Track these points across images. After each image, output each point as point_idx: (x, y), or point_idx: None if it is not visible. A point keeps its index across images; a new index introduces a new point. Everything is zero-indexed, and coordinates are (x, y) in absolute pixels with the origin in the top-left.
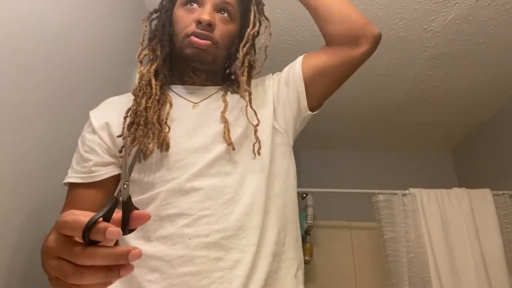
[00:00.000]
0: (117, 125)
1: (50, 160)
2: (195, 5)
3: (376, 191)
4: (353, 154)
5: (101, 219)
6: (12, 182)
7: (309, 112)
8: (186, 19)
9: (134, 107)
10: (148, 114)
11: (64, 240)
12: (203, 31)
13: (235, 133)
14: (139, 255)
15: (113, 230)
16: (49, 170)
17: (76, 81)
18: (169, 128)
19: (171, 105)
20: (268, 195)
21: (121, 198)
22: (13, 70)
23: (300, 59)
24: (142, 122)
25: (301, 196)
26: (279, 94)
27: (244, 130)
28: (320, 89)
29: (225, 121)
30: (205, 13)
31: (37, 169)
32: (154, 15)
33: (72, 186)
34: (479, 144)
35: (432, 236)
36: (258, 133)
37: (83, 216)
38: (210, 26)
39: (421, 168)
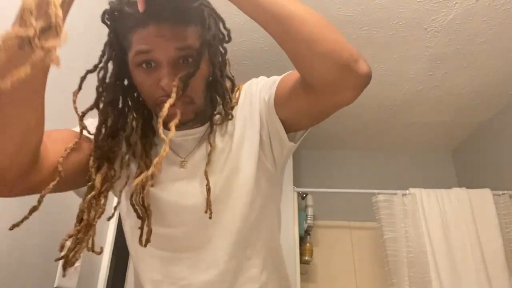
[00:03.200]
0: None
1: None
2: (151, 64)
3: (376, 191)
4: (353, 154)
5: None
6: None
7: (291, 143)
8: (148, 84)
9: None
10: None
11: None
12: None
13: (216, 187)
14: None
15: None
16: None
17: (77, 81)
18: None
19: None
20: (248, 251)
21: None
22: None
23: (273, 92)
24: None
25: (301, 196)
26: (264, 125)
27: (225, 183)
28: (295, 127)
29: (207, 182)
30: (165, 78)
31: None
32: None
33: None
34: (479, 144)
35: (432, 236)
36: (240, 182)
37: None
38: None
39: (421, 168)
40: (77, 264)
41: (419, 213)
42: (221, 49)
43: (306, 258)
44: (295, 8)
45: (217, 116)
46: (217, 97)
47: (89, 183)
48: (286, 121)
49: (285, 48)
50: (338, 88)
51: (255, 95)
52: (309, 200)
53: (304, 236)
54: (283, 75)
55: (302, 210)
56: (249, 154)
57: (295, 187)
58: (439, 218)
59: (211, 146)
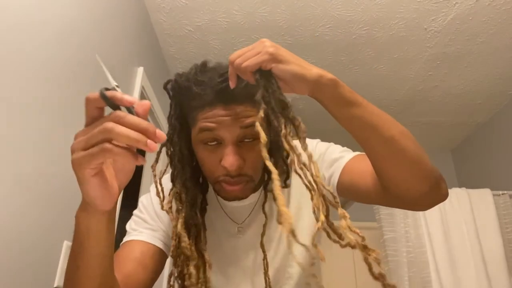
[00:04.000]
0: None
1: (51, 159)
2: (215, 142)
3: None
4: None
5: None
6: (13, 182)
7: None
8: (210, 161)
9: (177, 274)
10: (188, 284)
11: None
12: (233, 178)
13: (276, 259)
14: (164, 137)
15: (131, 98)
16: (49, 171)
17: (78, 81)
18: None
19: (210, 265)
20: None
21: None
22: (13, 70)
23: (341, 167)
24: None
25: None
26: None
27: (284, 255)
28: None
29: (265, 254)
30: (229, 157)
31: (39, 165)
32: (168, 144)
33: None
34: (479, 144)
35: (432, 236)
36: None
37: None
38: (240, 168)
39: None
40: None
41: (419, 213)
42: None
43: None
44: (396, 131)
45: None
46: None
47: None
48: (340, 194)
49: (380, 164)
50: (417, 202)
51: (319, 158)
52: None
53: None
54: (348, 157)
55: None
56: (308, 224)
57: None
58: (439, 218)
59: (266, 217)
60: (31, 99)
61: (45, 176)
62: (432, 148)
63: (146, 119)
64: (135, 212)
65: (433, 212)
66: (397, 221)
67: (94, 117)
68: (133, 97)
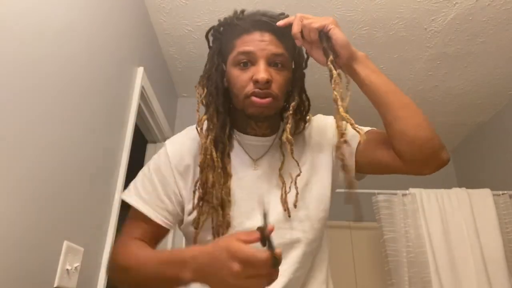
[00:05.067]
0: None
1: (51, 159)
2: (248, 64)
3: (376, 191)
4: None
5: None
6: (13, 182)
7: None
8: (242, 79)
9: (202, 181)
10: (214, 191)
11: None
12: (262, 90)
13: (304, 195)
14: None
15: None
16: (49, 171)
17: (77, 81)
18: (229, 206)
19: (230, 176)
20: (313, 265)
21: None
22: (13, 71)
23: (356, 141)
24: (210, 200)
25: None
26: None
27: (312, 191)
28: (363, 171)
29: (282, 182)
30: (261, 72)
31: (39, 164)
32: (206, 76)
33: (135, 209)
34: (479, 144)
35: (432, 236)
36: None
37: (259, 252)
38: (267, 83)
39: None
40: (77, 264)
41: (419, 213)
42: (301, 72)
43: None
44: (409, 99)
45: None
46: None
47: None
48: (356, 166)
49: (392, 124)
50: (423, 164)
51: (331, 130)
52: None
53: None
54: (364, 130)
55: None
56: (324, 175)
57: None
58: (439, 218)
59: (283, 155)
60: (31, 99)
61: (45, 176)
62: None
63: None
64: (146, 170)
65: (433, 212)
66: (397, 221)
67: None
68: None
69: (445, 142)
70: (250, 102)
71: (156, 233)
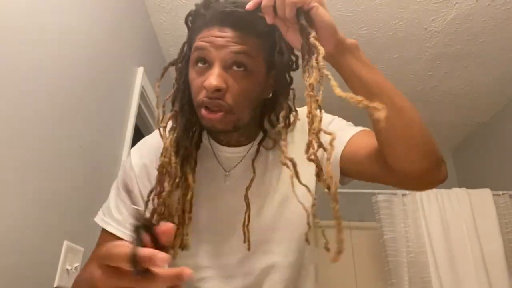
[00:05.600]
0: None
1: (51, 159)
2: (205, 65)
3: (376, 191)
4: None
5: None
6: (13, 182)
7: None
8: (196, 84)
9: (157, 190)
10: (171, 203)
11: (113, 271)
12: (212, 101)
13: (268, 214)
14: (191, 275)
15: (163, 256)
16: (49, 172)
17: (77, 81)
18: (189, 221)
19: (191, 188)
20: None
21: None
22: (13, 71)
23: (345, 142)
24: (165, 213)
25: None
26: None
27: (289, 208)
28: (349, 176)
29: (247, 204)
30: (211, 77)
31: (39, 164)
32: (175, 69)
33: (105, 231)
34: (479, 144)
35: (432, 236)
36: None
37: (126, 247)
38: (219, 91)
39: None
40: (77, 264)
41: (419, 213)
42: (287, 76)
43: None
44: (407, 103)
45: (269, 142)
46: (269, 122)
47: (178, 182)
48: (341, 171)
49: (388, 133)
50: (418, 181)
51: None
52: None
53: None
54: (353, 130)
55: None
56: (307, 184)
57: None
58: (439, 218)
59: (254, 171)
60: (30, 99)
61: (45, 176)
62: None
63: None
64: (115, 188)
65: (433, 212)
66: (397, 221)
67: (117, 271)
68: (164, 255)
69: (445, 142)
70: (200, 114)
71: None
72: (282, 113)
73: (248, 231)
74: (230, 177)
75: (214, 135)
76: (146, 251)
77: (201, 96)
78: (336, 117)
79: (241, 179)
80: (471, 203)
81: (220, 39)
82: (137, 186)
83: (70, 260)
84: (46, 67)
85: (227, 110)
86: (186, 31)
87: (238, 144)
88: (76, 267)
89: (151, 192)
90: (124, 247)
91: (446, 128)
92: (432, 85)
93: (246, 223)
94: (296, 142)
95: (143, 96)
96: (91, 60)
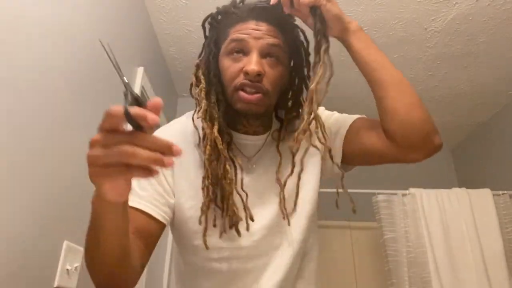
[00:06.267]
0: (181, 171)
1: (51, 159)
2: (240, 54)
3: (376, 191)
4: None
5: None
6: (13, 182)
7: (339, 171)
8: (233, 70)
9: (211, 176)
10: (225, 183)
11: (110, 132)
12: (251, 83)
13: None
14: (180, 152)
15: (154, 116)
16: (49, 171)
17: (78, 81)
18: (240, 200)
19: (241, 168)
20: (302, 265)
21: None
22: (13, 70)
23: (348, 124)
24: (217, 198)
25: None
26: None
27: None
28: (354, 162)
29: (281, 186)
30: (252, 63)
31: (39, 164)
32: (202, 63)
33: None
34: (479, 144)
35: (432, 236)
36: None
37: (121, 107)
38: (258, 75)
39: (421, 168)
40: (77, 264)
41: (419, 213)
42: (305, 71)
43: None
44: (403, 76)
45: (283, 132)
46: (287, 112)
47: (214, 152)
48: (345, 155)
49: (380, 105)
50: (415, 148)
51: (326, 120)
52: None
53: None
54: (353, 117)
55: None
56: (312, 171)
57: None
58: (439, 218)
59: (280, 155)
60: (31, 99)
61: (45, 176)
62: None
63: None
64: None
65: (433, 212)
66: (397, 221)
67: (113, 128)
68: (155, 115)
69: (445, 142)
70: (238, 97)
71: (153, 229)
72: (305, 109)
73: (285, 209)
74: (252, 162)
75: (233, 125)
76: (138, 108)
77: (239, 80)
78: (335, 112)
79: (263, 164)
80: (471, 203)
81: (257, 31)
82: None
83: (70, 260)
84: (46, 67)
85: (265, 92)
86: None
87: (255, 134)
88: (76, 267)
89: (204, 178)
90: (119, 107)
91: (446, 128)
92: (432, 85)
93: (283, 202)
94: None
95: (143, 96)
96: (91, 60)
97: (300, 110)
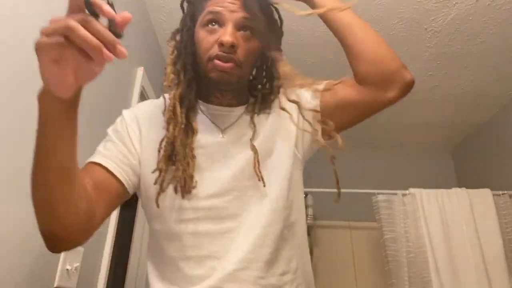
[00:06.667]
0: (149, 140)
1: None
2: (216, 26)
3: (376, 191)
4: (353, 154)
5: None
6: (13, 182)
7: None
8: (208, 41)
9: (168, 139)
10: (176, 144)
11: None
12: (225, 54)
13: (265, 164)
14: (125, 55)
15: (110, 9)
16: None
17: None
18: (192, 161)
19: (196, 132)
20: (286, 225)
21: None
22: (13, 70)
23: (322, 85)
24: (173, 156)
25: None
26: (300, 120)
27: (272, 159)
28: (335, 123)
29: (254, 151)
30: (226, 34)
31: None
32: (177, 36)
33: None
34: (479, 144)
35: (432, 236)
36: (283, 161)
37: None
38: (232, 47)
39: (421, 168)
40: (77, 264)
41: (419, 213)
42: (279, 42)
43: None
44: (365, 23)
45: (256, 107)
46: (260, 85)
47: (173, 119)
48: (323, 115)
49: (349, 52)
50: (387, 85)
51: (298, 94)
52: (309, 200)
53: None
54: (327, 81)
55: None
56: (285, 140)
57: None
58: (439, 218)
59: (254, 125)
60: (30, 99)
61: None
62: (432, 148)
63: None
64: (111, 129)
65: (433, 212)
66: (397, 221)
67: (73, 11)
68: (116, 14)
69: (445, 142)
70: (212, 66)
71: (111, 187)
72: (276, 82)
73: (260, 172)
74: (226, 133)
75: (206, 97)
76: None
77: (214, 51)
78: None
79: (237, 134)
80: (471, 203)
81: (232, 5)
82: (126, 129)
83: (70, 260)
84: None
85: (237, 63)
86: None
87: (229, 106)
88: (76, 267)
89: (162, 141)
90: None
91: (446, 128)
92: (432, 85)
93: (257, 166)
94: (278, 105)
95: (143, 96)
96: None
97: (273, 85)
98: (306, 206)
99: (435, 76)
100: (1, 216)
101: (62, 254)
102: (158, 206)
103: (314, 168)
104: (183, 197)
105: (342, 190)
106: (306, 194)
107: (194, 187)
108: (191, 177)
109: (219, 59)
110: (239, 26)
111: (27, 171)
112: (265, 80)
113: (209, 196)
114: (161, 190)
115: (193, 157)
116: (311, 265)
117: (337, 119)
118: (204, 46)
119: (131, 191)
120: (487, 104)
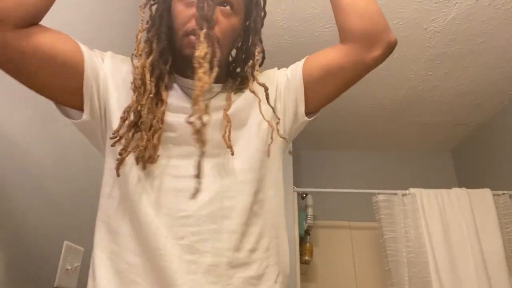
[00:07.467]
0: (116, 97)
1: (51, 158)
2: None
3: (376, 191)
4: (353, 154)
5: None
6: (13, 182)
7: (306, 118)
8: (184, 15)
9: (133, 106)
10: (142, 113)
11: None
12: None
13: (237, 134)
14: None
15: None
16: (49, 171)
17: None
18: (158, 132)
19: (165, 103)
20: (256, 199)
21: None
22: None
23: (302, 61)
24: (140, 125)
25: (301, 196)
26: (281, 96)
27: (245, 131)
28: (319, 94)
29: (227, 119)
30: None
31: (39, 164)
32: (152, 2)
33: None
34: (479, 144)
35: (432, 236)
36: (259, 136)
37: None
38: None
39: (421, 168)
40: (77, 264)
41: (419, 213)
42: (260, 22)
43: (306, 258)
44: None
45: (235, 87)
46: (240, 69)
47: (143, 88)
48: (308, 88)
49: (339, 5)
50: (373, 43)
51: (275, 73)
52: (309, 200)
53: (304, 236)
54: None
55: (302, 210)
56: (260, 114)
57: (295, 187)
58: (439, 218)
59: (230, 99)
60: (30, 99)
61: (45, 176)
62: (432, 148)
63: None
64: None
65: (433, 212)
66: (397, 221)
67: None
68: None
69: (445, 142)
70: (187, 41)
71: (72, 54)
72: (250, 63)
73: (230, 140)
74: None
75: (183, 72)
76: None
77: (191, 25)
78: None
79: (213, 108)
80: (471, 203)
81: None
82: (104, 71)
83: (70, 260)
84: None
85: (215, 39)
86: None
87: None
88: (76, 267)
89: (129, 107)
90: None
91: (446, 128)
92: (432, 85)
93: (228, 134)
94: (256, 84)
95: None
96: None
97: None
98: (306, 206)
99: (435, 76)
100: (1, 216)
101: (62, 254)
102: (118, 175)
103: (314, 168)
104: (144, 168)
105: (342, 190)
106: (306, 194)
107: (156, 159)
108: (155, 146)
109: (195, 35)
110: (219, 1)
111: (28, 171)
112: (244, 63)
113: (172, 157)
114: (121, 159)
115: (159, 128)
116: (288, 254)
117: (322, 88)
118: (180, 20)
119: (84, 77)
120: (487, 104)
